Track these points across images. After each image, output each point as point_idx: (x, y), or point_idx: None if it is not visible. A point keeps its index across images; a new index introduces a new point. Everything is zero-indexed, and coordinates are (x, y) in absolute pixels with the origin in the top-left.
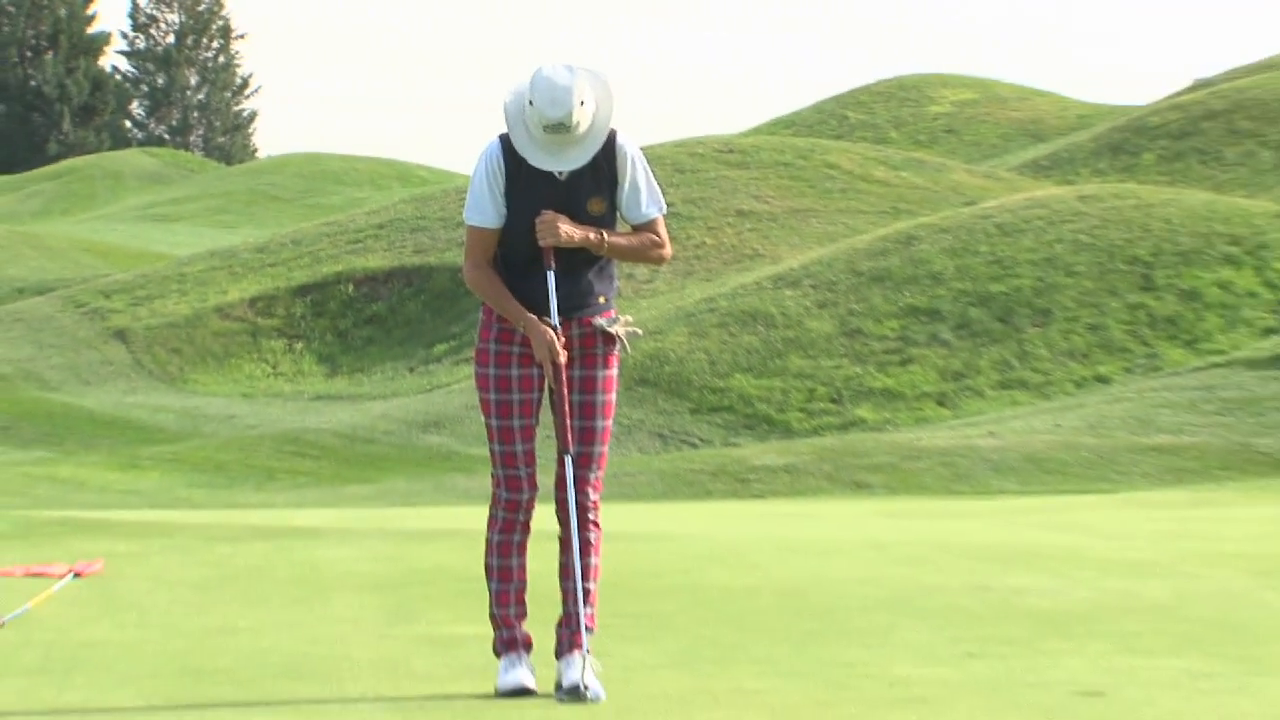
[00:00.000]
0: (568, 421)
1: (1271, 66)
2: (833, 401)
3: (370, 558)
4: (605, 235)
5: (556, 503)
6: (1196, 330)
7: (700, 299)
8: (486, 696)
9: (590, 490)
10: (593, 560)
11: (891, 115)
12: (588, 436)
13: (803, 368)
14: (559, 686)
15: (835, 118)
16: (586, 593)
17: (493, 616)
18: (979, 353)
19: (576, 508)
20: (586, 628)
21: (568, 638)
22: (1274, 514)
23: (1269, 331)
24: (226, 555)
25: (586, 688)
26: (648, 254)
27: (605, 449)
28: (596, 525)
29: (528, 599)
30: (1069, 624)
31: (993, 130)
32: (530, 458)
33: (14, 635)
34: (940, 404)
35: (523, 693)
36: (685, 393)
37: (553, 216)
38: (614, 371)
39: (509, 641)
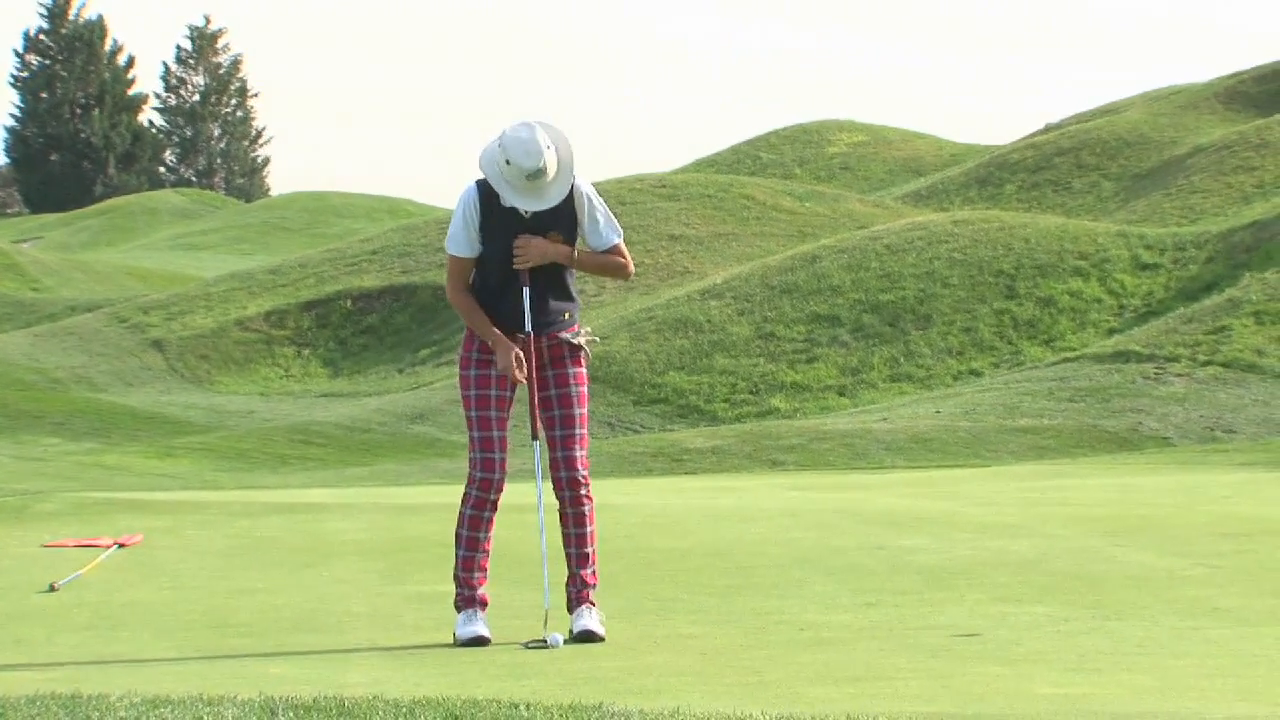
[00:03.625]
0: (537, 413)
1: (1109, 111)
2: (751, 393)
3: (367, 528)
4: (575, 251)
5: (553, 482)
6: (1052, 331)
7: (640, 309)
8: (464, 644)
9: (580, 466)
10: (588, 528)
11: (796, 155)
12: (569, 422)
13: (726, 365)
14: (571, 633)
15: (750, 158)
16: (585, 556)
17: (457, 577)
18: (872, 352)
19: (570, 482)
20: (588, 583)
21: (575, 594)
22: (1119, 483)
23: (1112, 332)
24: (246, 528)
25: (595, 633)
26: (612, 270)
27: (585, 431)
28: (589, 498)
29: (489, 565)
30: (950, 577)
31: (881, 167)
32: (503, 444)
33: (68, 598)
34: (841, 394)
35: (479, 641)
36: (629, 388)
37: (526, 239)
38: (583, 369)
39: (469, 599)
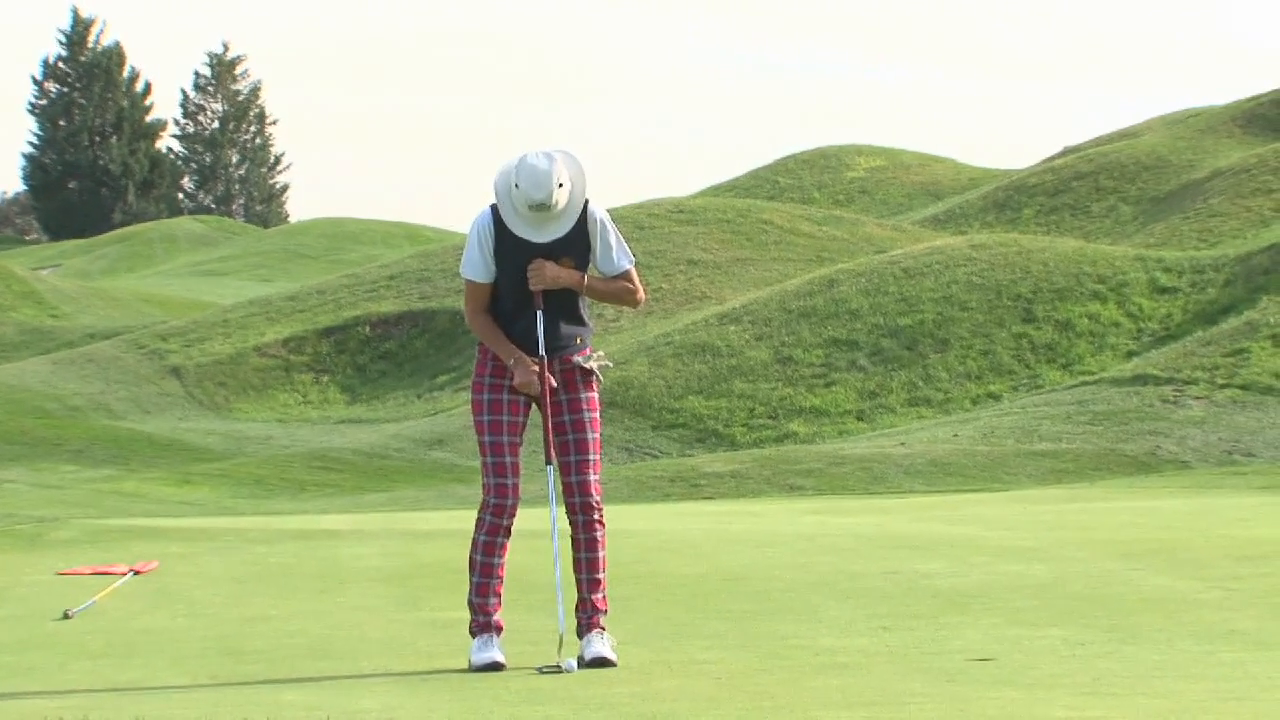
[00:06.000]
0: (551, 438)
1: (1127, 135)
2: (770, 418)
3: (383, 554)
4: (585, 278)
5: (566, 507)
6: (1070, 355)
7: (658, 334)
8: (479, 670)
9: (593, 491)
10: (599, 554)
11: (815, 179)
12: (581, 447)
13: (744, 390)
14: (581, 660)
15: (768, 182)
16: (596, 582)
17: (471, 603)
18: (890, 376)
19: (583, 507)
20: (598, 609)
21: (586, 620)
22: (1136, 506)
23: (1130, 355)
24: (262, 554)
25: (608, 659)
26: (622, 297)
27: (598, 456)
28: (601, 524)
29: (504, 590)
30: (966, 601)
31: (899, 191)
32: (516, 469)
33: (82, 625)
34: (859, 419)
35: (494, 667)
36: (647, 413)
37: (540, 262)
38: (595, 394)
39: (484, 625)
